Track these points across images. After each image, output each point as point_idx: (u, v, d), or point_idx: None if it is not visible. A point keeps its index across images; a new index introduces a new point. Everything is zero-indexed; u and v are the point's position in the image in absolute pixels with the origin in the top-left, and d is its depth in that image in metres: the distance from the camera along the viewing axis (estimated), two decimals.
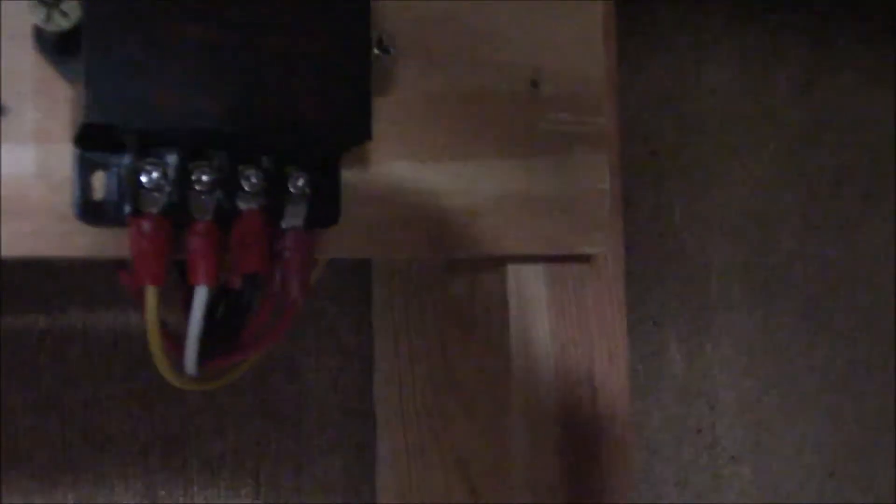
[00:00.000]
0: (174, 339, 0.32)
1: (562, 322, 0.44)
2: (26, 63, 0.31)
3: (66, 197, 0.31)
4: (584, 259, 0.44)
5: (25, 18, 0.31)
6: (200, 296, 0.30)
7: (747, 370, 0.72)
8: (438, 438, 0.50)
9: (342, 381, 0.56)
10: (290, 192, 0.31)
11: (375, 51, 0.33)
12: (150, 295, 0.29)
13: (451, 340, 0.48)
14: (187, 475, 0.52)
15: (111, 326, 0.51)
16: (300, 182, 0.31)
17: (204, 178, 0.30)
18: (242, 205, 0.31)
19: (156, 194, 0.29)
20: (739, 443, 0.72)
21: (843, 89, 0.77)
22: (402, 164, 0.37)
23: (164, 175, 0.29)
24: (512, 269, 0.43)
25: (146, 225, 0.29)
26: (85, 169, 0.31)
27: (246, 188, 0.30)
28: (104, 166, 0.31)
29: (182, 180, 0.30)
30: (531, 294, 0.44)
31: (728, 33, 0.73)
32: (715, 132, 0.72)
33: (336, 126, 0.31)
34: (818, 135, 0.76)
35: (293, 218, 0.31)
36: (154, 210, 0.30)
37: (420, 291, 0.51)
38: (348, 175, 0.35)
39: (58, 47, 0.30)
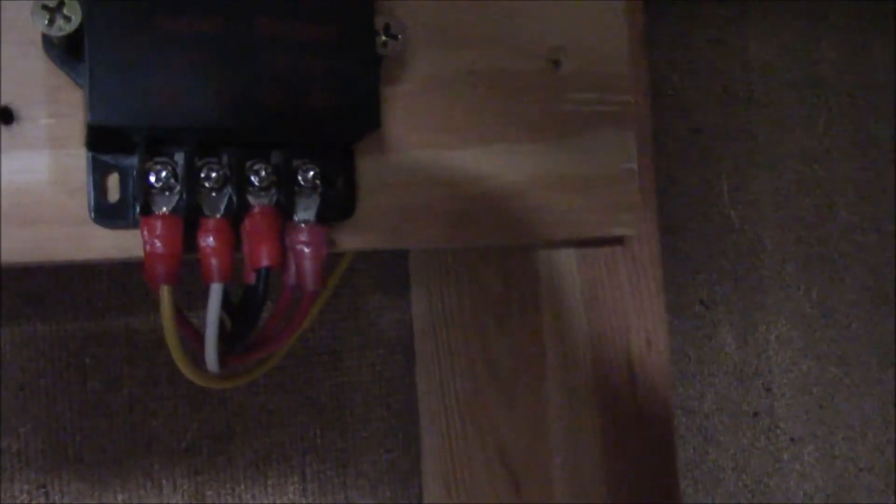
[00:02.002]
0: (199, 336, 0.32)
1: (596, 307, 0.43)
2: (38, 70, 0.31)
3: (82, 201, 0.31)
4: (617, 241, 0.43)
5: (34, 26, 0.31)
6: (215, 294, 0.30)
7: (804, 349, 0.70)
8: (480, 429, 0.49)
9: (385, 374, 0.56)
10: (300, 185, 0.31)
11: (383, 37, 0.33)
12: (165, 294, 0.29)
13: (487, 329, 0.48)
14: (234, 473, 0.53)
15: (153, 328, 0.52)
16: (310, 175, 0.31)
17: (213, 175, 0.30)
18: (253, 200, 0.30)
19: (166, 193, 0.29)
20: (799, 425, 0.70)
21: (892, 52, 0.74)
22: (421, 151, 0.36)
23: (172, 174, 0.29)
24: (543, 255, 0.43)
25: (157, 225, 0.29)
26: (99, 172, 0.31)
27: (256, 183, 0.30)
28: (118, 168, 0.31)
29: (191, 178, 0.30)
30: (564, 279, 0.43)
31: (771, 4, 0.71)
32: (762, 105, 0.70)
33: (343, 115, 0.31)
34: (871, 101, 0.73)
35: (305, 211, 0.31)
36: (165, 209, 0.30)
37: (456, 281, 0.51)
38: (365, 166, 0.35)
39: (65, 51, 0.31)
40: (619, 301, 0.43)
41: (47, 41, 0.31)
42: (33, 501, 0.49)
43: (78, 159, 0.31)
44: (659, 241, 0.44)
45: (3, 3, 0.31)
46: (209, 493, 0.52)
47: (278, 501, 0.53)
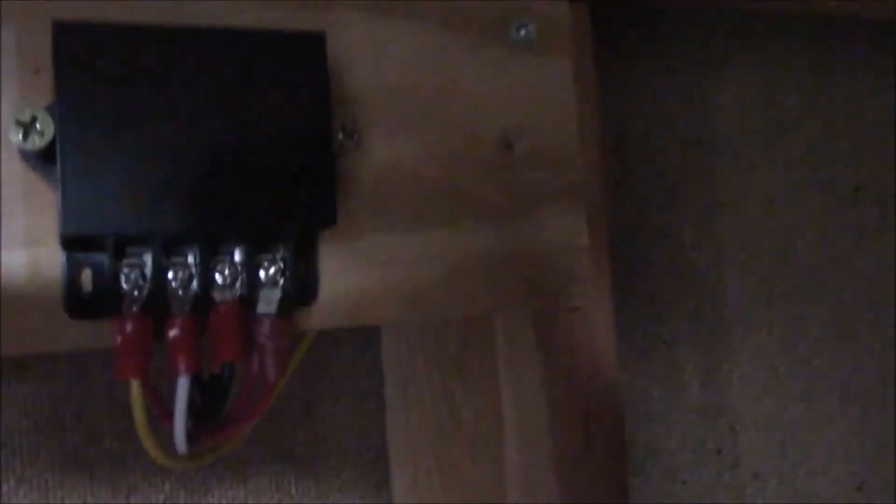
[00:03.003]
0: (167, 411, 0.34)
1: (551, 370, 0.45)
2: (16, 171, 0.33)
3: (55, 294, 0.33)
4: (573, 310, 0.45)
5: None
6: (182, 386, 0.32)
7: (767, 387, 0.72)
8: (446, 479, 0.51)
9: (357, 423, 0.58)
10: (260, 281, 0.33)
11: (340, 136, 0.35)
12: (135, 389, 0.31)
13: (451, 386, 0.50)
14: None
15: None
16: (272, 271, 0.33)
17: (179, 274, 0.32)
18: (218, 296, 0.33)
19: (135, 293, 0.32)
20: (763, 461, 0.72)
21: (850, 98, 0.76)
22: (376, 236, 0.39)
23: (141, 274, 0.32)
24: (500, 319, 0.45)
25: (127, 324, 0.31)
26: (72, 268, 0.33)
27: (219, 282, 0.32)
28: (91, 265, 0.33)
29: (158, 278, 0.32)
30: (519, 343, 0.45)
31: (732, 51, 0.73)
32: (724, 150, 0.72)
33: (301, 215, 0.33)
34: (830, 145, 0.76)
35: (266, 305, 0.33)
36: (134, 307, 0.32)
37: (422, 342, 0.53)
38: (326, 251, 0.37)
39: (40, 158, 0.33)
40: (576, 363, 0.46)
41: (20, 150, 0.33)
42: None
43: (52, 256, 0.33)
44: (613, 311, 0.46)
45: None
46: None
47: None
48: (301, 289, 0.35)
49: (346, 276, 0.38)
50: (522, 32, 0.42)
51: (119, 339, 0.31)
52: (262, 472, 0.56)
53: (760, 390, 0.72)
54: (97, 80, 0.31)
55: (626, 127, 0.69)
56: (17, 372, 0.51)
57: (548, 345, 0.45)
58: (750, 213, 0.73)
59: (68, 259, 0.33)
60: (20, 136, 0.31)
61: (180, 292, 0.32)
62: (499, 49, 0.41)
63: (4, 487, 0.50)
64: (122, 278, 0.31)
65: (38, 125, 0.31)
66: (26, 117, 0.31)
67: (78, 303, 0.33)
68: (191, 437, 0.33)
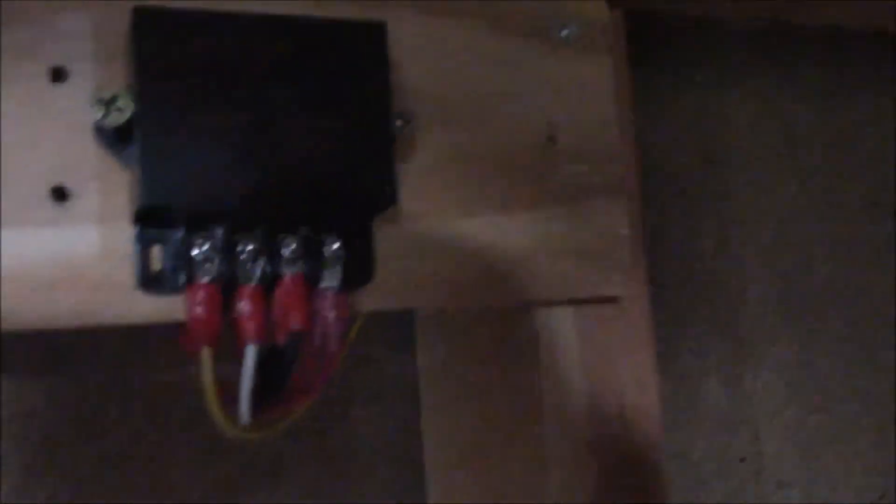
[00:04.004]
0: (227, 392, 0.35)
1: (591, 363, 0.46)
2: (88, 152, 0.35)
3: (127, 270, 0.35)
4: (610, 300, 0.46)
5: (85, 112, 0.35)
6: (250, 354, 0.33)
7: (788, 398, 0.73)
8: (480, 479, 0.52)
9: (392, 424, 0.59)
10: (324, 256, 0.34)
11: (398, 121, 0.36)
12: (205, 356, 0.33)
13: (488, 382, 0.51)
14: None
15: (169, 383, 0.54)
16: (334, 247, 0.34)
17: (248, 248, 0.33)
18: (283, 270, 0.34)
19: (207, 265, 0.33)
20: (786, 470, 0.73)
21: (864, 112, 0.79)
22: (430, 221, 0.40)
23: (212, 247, 0.33)
24: (541, 313, 0.46)
25: (199, 293, 0.33)
26: (144, 244, 0.34)
27: (285, 255, 0.34)
28: (160, 240, 0.35)
29: (229, 251, 0.33)
30: (560, 337, 0.46)
31: (747, 69, 0.75)
32: (741, 166, 0.74)
33: (364, 196, 0.34)
34: (843, 161, 0.78)
35: (329, 280, 0.35)
36: (206, 279, 0.33)
37: (459, 336, 0.54)
38: (381, 234, 0.39)
39: (114, 137, 0.34)
40: (612, 352, 0.47)
41: (98, 127, 0.34)
42: None
43: (124, 233, 0.35)
44: (648, 298, 0.48)
45: (57, 92, 0.35)
46: None
47: None
48: (358, 269, 0.36)
49: (399, 259, 0.39)
50: (564, 33, 0.43)
51: (191, 308, 0.33)
52: (297, 472, 0.57)
53: (782, 400, 0.73)
54: (173, 62, 0.32)
55: (646, 140, 0.71)
56: (58, 366, 0.52)
57: (587, 336, 0.46)
58: (767, 227, 0.75)
59: (140, 235, 0.34)
60: (101, 113, 0.32)
61: (249, 265, 0.33)
62: (542, 48, 0.43)
63: (47, 482, 0.51)
64: (195, 251, 0.33)
65: (118, 103, 0.32)
66: (107, 95, 0.32)
67: (149, 277, 0.34)
68: (254, 409, 0.34)
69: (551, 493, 0.47)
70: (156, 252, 0.35)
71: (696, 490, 0.69)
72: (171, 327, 0.54)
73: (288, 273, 0.34)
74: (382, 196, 0.35)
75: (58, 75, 0.35)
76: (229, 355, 0.36)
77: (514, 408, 0.49)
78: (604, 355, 0.46)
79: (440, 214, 0.40)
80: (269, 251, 0.34)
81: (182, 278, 0.34)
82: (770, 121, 0.76)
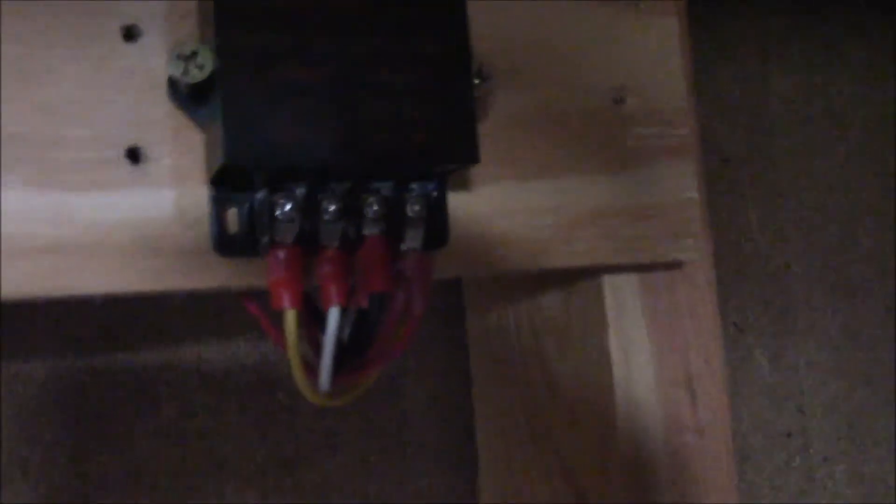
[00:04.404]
0: (304, 361, 0.34)
1: (657, 328, 0.46)
2: (161, 113, 0.34)
3: (201, 233, 0.34)
4: (676, 266, 0.45)
5: (158, 72, 0.34)
6: (333, 317, 0.32)
7: (833, 371, 0.73)
8: (541, 449, 0.51)
9: (442, 399, 0.58)
10: (408, 216, 0.33)
11: (476, 80, 0.35)
12: (290, 318, 0.32)
13: (548, 351, 0.50)
14: (301, 496, 0.55)
15: (222, 357, 0.54)
16: (417, 207, 0.34)
17: (331, 208, 0.32)
18: (366, 231, 0.33)
19: (289, 225, 0.32)
20: (831, 444, 0.72)
21: None
22: (501, 184, 0.39)
23: (295, 207, 0.32)
24: (607, 279, 0.45)
25: (283, 254, 0.32)
26: (219, 206, 0.34)
27: (368, 215, 0.33)
28: (236, 203, 0.34)
29: (311, 211, 0.32)
30: (626, 302, 0.45)
31: (790, 39, 0.74)
32: (784, 137, 0.73)
33: (445, 151, 0.33)
34: (886, 133, 0.77)
35: (412, 240, 0.34)
36: (288, 239, 0.32)
37: (514, 306, 0.53)
38: (452, 198, 0.38)
39: (190, 97, 0.33)
40: (678, 322, 0.46)
41: (172, 86, 0.34)
42: None
43: (199, 195, 0.34)
44: (713, 265, 0.47)
45: (126, 51, 0.34)
46: None
47: None
48: (433, 231, 0.36)
49: (471, 222, 0.38)
50: None
51: (274, 269, 0.32)
52: (350, 446, 0.56)
53: (826, 374, 0.72)
54: (253, 17, 0.32)
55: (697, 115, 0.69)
56: (109, 341, 0.52)
57: (653, 305, 0.45)
58: (811, 199, 0.74)
59: (215, 197, 0.33)
60: (181, 70, 0.31)
61: (331, 225, 0.32)
62: (609, 8, 0.42)
63: (101, 458, 0.51)
64: (278, 211, 0.32)
65: (198, 59, 0.31)
66: (187, 51, 0.31)
67: (226, 240, 0.33)
68: (337, 373, 0.33)
69: (613, 463, 0.47)
70: (231, 214, 0.34)
71: (742, 465, 0.69)
72: (221, 300, 0.54)
73: (371, 234, 0.33)
74: (465, 154, 0.34)
75: (130, 34, 0.34)
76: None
77: (577, 378, 0.48)
78: (670, 324, 0.46)
79: (509, 177, 0.39)
80: (351, 212, 0.33)
81: (261, 241, 0.33)
82: (813, 92, 0.75)
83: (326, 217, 0.32)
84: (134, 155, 0.34)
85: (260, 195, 0.33)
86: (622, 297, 0.45)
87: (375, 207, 0.33)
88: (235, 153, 0.31)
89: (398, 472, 0.57)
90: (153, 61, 0.34)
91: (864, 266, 0.75)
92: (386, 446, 0.57)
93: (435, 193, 0.35)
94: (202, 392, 0.53)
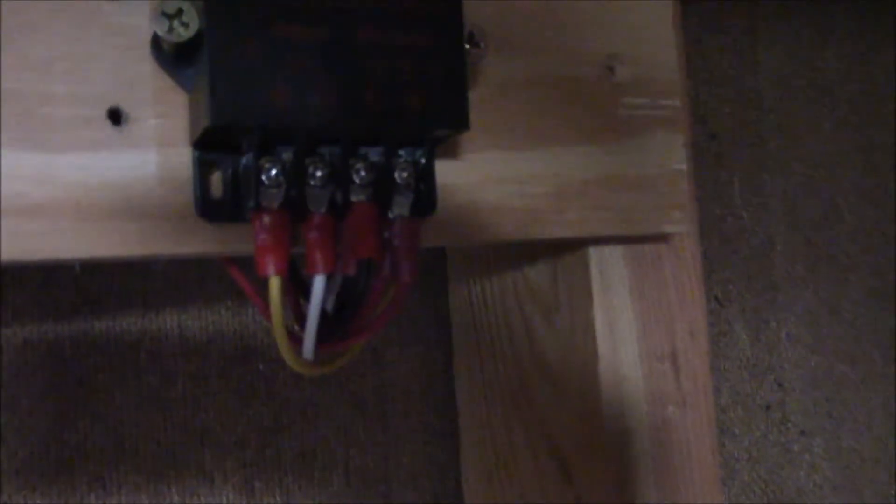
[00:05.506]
0: (288, 329, 0.34)
1: (643, 300, 0.45)
2: (145, 73, 0.33)
3: (185, 197, 0.33)
4: (663, 238, 0.45)
5: (141, 31, 0.33)
6: (318, 284, 0.32)
7: (813, 346, 0.73)
8: (525, 421, 0.51)
9: (424, 370, 0.58)
10: (396, 183, 0.33)
11: (467, 46, 0.35)
12: (275, 284, 0.31)
13: (534, 321, 0.50)
14: (282, 465, 0.54)
15: (203, 325, 0.53)
16: (405, 174, 0.33)
17: (318, 173, 0.32)
18: (354, 196, 0.32)
19: (275, 190, 0.31)
20: (809, 418, 0.72)
21: (889, 63, 0.77)
22: (490, 153, 0.39)
23: (282, 172, 0.31)
24: (593, 251, 0.45)
25: (268, 219, 0.31)
26: (204, 169, 0.33)
27: (356, 181, 0.32)
28: (222, 166, 0.33)
29: (298, 176, 0.32)
30: (612, 274, 0.45)
31: (779, 14, 0.74)
32: (771, 111, 0.73)
33: (437, 116, 0.33)
34: (873, 109, 0.77)
35: (400, 207, 0.33)
36: (274, 205, 0.31)
37: (498, 277, 0.53)
38: (441, 166, 0.37)
39: (174, 57, 0.32)
40: (664, 294, 0.46)
41: (156, 46, 0.33)
42: (92, 492, 0.50)
43: (183, 158, 0.33)
44: (699, 238, 0.47)
45: (109, 8, 0.33)
46: (258, 484, 0.54)
47: (324, 492, 0.55)
48: (421, 199, 0.35)
49: (460, 191, 0.38)
50: None
51: (259, 235, 0.31)
52: (331, 416, 0.56)
53: (806, 348, 0.73)
54: None
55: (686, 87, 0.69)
56: (90, 309, 0.51)
57: (639, 278, 0.45)
58: (795, 174, 0.74)
59: (199, 159, 0.33)
60: (165, 28, 0.31)
61: (319, 190, 0.32)
62: None
63: (81, 424, 0.50)
64: (264, 175, 0.31)
65: (183, 17, 0.31)
66: (172, 9, 0.31)
67: (210, 205, 0.33)
68: (321, 342, 0.33)
69: (597, 434, 0.47)
70: (216, 178, 0.33)
71: (721, 437, 0.69)
72: (203, 267, 0.53)
73: (358, 200, 0.32)
74: (456, 120, 0.33)
75: None
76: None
77: (563, 349, 0.48)
78: (656, 296, 0.45)
79: (498, 145, 0.39)
80: (340, 177, 0.32)
81: (247, 205, 0.32)
82: (800, 67, 0.74)
83: (314, 182, 0.32)
84: (116, 116, 0.33)
85: (245, 159, 0.32)
86: (608, 270, 0.45)
87: (363, 173, 0.32)
88: (222, 114, 0.30)
89: (379, 443, 0.57)
90: (136, 19, 0.33)
91: (847, 242, 0.75)
92: (367, 416, 0.57)
93: (423, 161, 0.34)
94: (184, 359, 0.53)
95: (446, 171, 0.37)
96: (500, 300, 0.53)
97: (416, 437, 0.58)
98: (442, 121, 0.33)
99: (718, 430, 0.69)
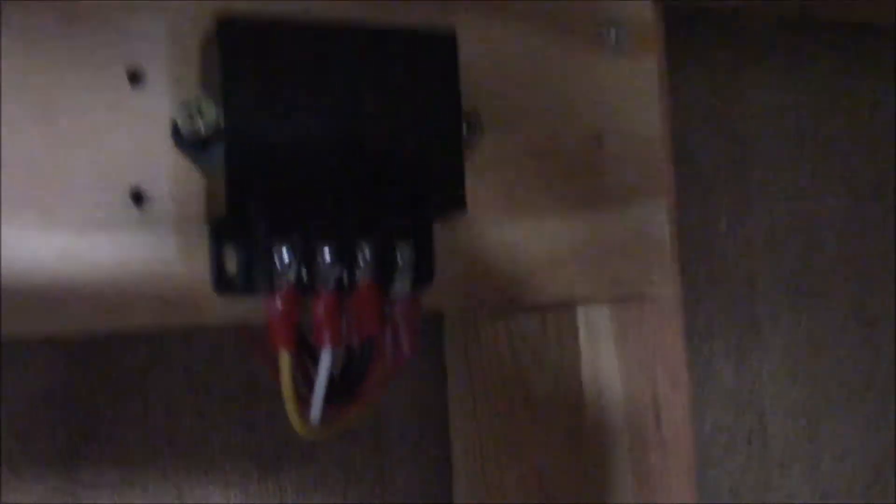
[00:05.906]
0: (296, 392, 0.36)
1: (627, 352, 0.48)
2: (164, 154, 0.36)
3: (201, 273, 0.36)
4: (648, 299, 0.48)
5: (161, 115, 0.35)
6: (326, 358, 0.34)
7: (794, 378, 0.76)
8: (515, 454, 0.54)
9: (419, 404, 0.61)
10: (398, 263, 0.35)
11: (465, 131, 0.37)
12: (285, 358, 0.34)
13: (524, 361, 0.52)
14: (283, 496, 0.57)
15: (209, 362, 0.56)
16: (406, 254, 0.36)
17: (327, 256, 0.34)
18: (358, 276, 0.35)
19: (288, 276, 0.34)
20: (789, 448, 0.75)
21: (869, 100, 0.80)
22: (485, 221, 0.41)
23: (293, 254, 0.34)
24: (581, 310, 0.48)
25: (280, 299, 0.34)
26: (219, 248, 0.35)
27: (361, 263, 0.35)
28: (235, 245, 0.36)
29: (308, 258, 0.34)
30: (598, 331, 0.48)
31: (765, 51, 0.76)
32: (756, 146, 0.76)
33: (437, 203, 0.36)
34: (855, 144, 0.79)
35: (401, 285, 0.36)
36: (285, 285, 0.34)
37: (492, 320, 0.55)
38: (439, 234, 0.40)
39: (192, 142, 0.35)
40: (647, 347, 0.48)
41: (176, 132, 0.35)
42: None
43: (200, 237, 0.36)
44: (681, 296, 0.49)
45: (138, 99, 0.35)
46: None
47: None
48: (420, 270, 0.38)
49: (456, 259, 0.40)
50: (614, 35, 0.44)
51: (272, 311, 0.34)
52: (329, 451, 0.58)
53: (788, 380, 0.76)
54: (257, 72, 0.33)
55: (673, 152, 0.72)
56: (98, 340, 0.53)
57: (623, 334, 0.48)
58: (778, 207, 0.76)
59: (216, 239, 0.35)
60: (185, 118, 0.33)
61: (327, 270, 0.34)
62: (593, 50, 0.44)
63: (92, 453, 0.52)
64: (276, 257, 0.34)
65: (201, 109, 0.33)
66: (191, 101, 0.33)
67: (225, 280, 0.35)
68: (326, 402, 0.36)
69: (581, 474, 0.49)
70: (231, 256, 0.36)
71: (704, 468, 0.72)
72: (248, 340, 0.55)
73: (363, 280, 0.35)
74: (453, 203, 0.36)
75: (135, 78, 0.35)
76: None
77: (553, 389, 0.51)
78: (639, 349, 0.48)
79: (492, 214, 0.41)
80: (348, 256, 0.35)
81: (259, 281, 0.35)
82: (783, 105, 0.77)
83: (323, 266, 0.34)
84: (138, 197, 0.35)
85: (257, 239, 0.34)
86: (595, 327, 0.48)
87: (368, 256, 0.35)
88: (236, 195, 0.33)
89: (377, 475, 0.60)
90: (157, 105, 0.35)
91: (827, 276, 0.78)
92: (365, 450, 0.59)
93: (423, 236, 0.37)
94: (189, 393, 0.55)
95: (443, 239, 0.40)
96: (492, 340, 0.56)
97: (411, 469, 0.60)
98: (441, 206, 0.36)
99: (702, 460, 0.72)
